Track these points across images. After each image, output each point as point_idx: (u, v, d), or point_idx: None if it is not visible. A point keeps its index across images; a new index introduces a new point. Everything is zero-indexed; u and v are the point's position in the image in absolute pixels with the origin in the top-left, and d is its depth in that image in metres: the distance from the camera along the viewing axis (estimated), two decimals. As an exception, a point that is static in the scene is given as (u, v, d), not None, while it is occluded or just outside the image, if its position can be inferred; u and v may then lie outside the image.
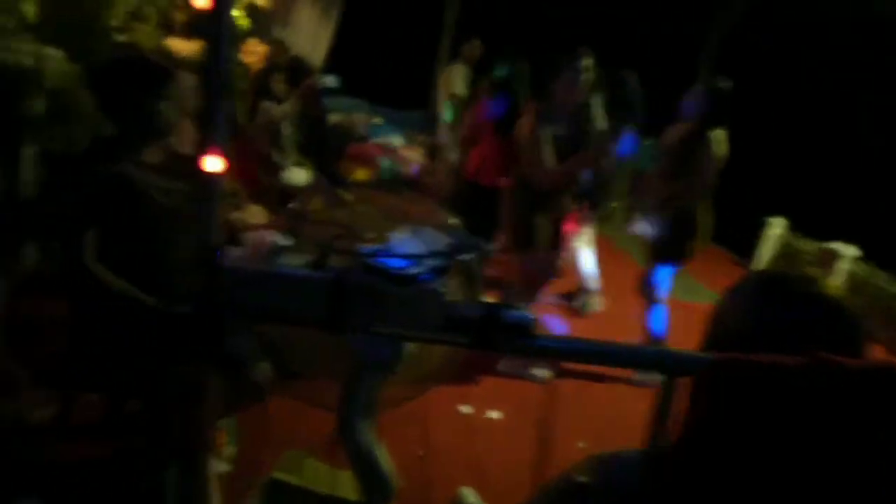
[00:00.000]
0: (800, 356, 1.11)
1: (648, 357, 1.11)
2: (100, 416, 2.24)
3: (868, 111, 6.98)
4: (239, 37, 5.24)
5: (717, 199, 3.32)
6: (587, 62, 3.17)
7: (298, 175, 4.26)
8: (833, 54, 6.60)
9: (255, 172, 3.85)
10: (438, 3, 7.27)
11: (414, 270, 0.95)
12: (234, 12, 5.55)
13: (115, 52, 3.18)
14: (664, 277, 3.41)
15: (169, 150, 2.09)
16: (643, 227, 3.46)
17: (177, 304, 1.91)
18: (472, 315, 1.01)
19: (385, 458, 1.77)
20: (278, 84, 4.42)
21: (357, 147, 5.50)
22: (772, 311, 1.30)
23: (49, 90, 2.24)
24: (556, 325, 4.12)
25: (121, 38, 3.40)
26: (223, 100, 0.86)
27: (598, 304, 4.35)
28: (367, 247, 1.02)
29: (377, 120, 6.18)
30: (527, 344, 1.04)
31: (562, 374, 3.39)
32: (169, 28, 4.08)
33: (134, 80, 1.99)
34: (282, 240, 1.69)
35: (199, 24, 3.58)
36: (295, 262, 1.28)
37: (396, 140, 5.85)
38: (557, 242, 3.35)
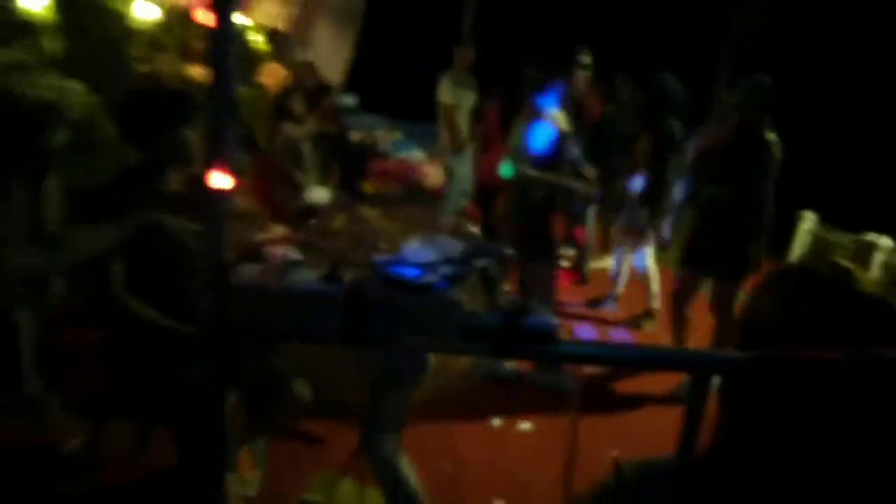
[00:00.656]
0: (841, 351, 1.06)
1: (677, 358, 1.07)
2: (130, 443, 2.26)
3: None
4: (259, 61, 5.33)
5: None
6: (585, 58, 3.17)
7: (320, 194, 4.28)
8: (857, 42, 6.46)
9: (278, 193, 3.88)
10: (455, 14, 7.30)
11: (429, 279, 0.93)
12: (254, 36, 5.66)
13: (137, 82, 3.25)
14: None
15: (193, 177, 2.13)
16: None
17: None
18: (492, 324, 0.98)
19: (411, 473, 1.74)
20: (298, 105, 4.47)
21: (379, 164, 5.52)
22: (807, 306, 1.25)
23: (71, 122, 2.28)
24: (585, 333, 4.06)
25: (142, 68, 3.47)
26: (230, 117, 0.85)
27: (654, 324, 4.23)
28: (381, 257, 1.00)
29: (397, 135, 6.21)
30: (550, 350, 1.01)
31: (592, 383, 3.33)
32: (188, 56, 4.16)
33: (158, 109, 2.03)
34: (294, 254, 1.68)
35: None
36: (307, 277, 1.27)
37: (417, 154, 5.87)
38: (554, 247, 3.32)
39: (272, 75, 5.02)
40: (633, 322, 4.20)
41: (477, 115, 5.35)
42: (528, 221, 3.20)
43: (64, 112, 2.22)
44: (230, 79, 0.90)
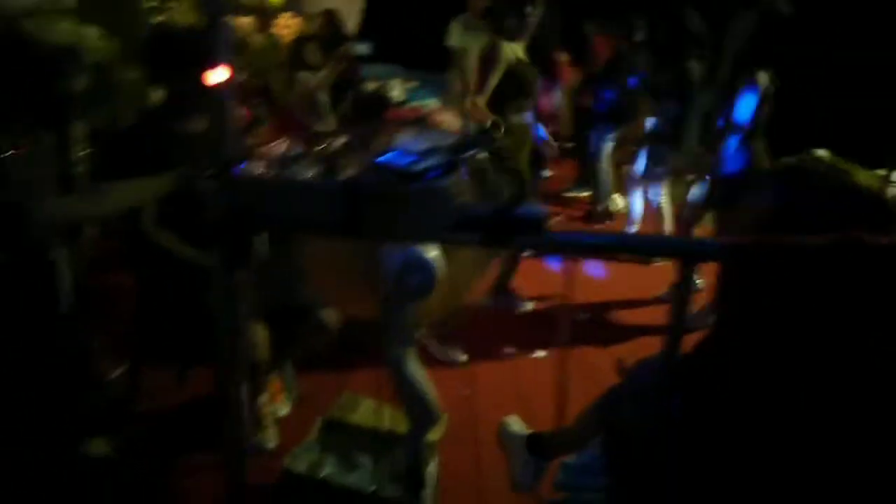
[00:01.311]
0: (829, 236, 1.09)
1: (667, 244, 1.11)
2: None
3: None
4: (273, 12, 5.33)
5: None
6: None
7: (337, 143, 4.33)
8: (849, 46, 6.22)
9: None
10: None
11: (420, 167, 0.98)
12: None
13: (153, 30, 3.29)
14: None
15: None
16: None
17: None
18: (483, 213, 1.04)
19: (429, 385, 1.83)
20: (313, 54, 4.49)
21: (394, 112, 5.54)
22: (800, 197, 1.28)
23: (91, 66, 2.34)
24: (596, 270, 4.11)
25: (158, 18, 3.51)
26: (225, 15, 0.90)
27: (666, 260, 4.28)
28: (375, 152, 1.05)
29: (412, 84, 6.20)
30: (540, 239, 1.06)
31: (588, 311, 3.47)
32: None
33: (183, 51, 2.10)
34: (293, 150, 1.75)
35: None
36: (306, 172, 1.33)
37: (432, 103, 5.86)
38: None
39: (285, 26, 5.04)
40: (645, 259, 4.25)
41: (486, 60, 5.28)
42: None
43: (83, 56, 2.28)
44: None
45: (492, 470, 2.21)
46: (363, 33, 6.53)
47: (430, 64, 6.91)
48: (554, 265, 4.20)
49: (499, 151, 1.18)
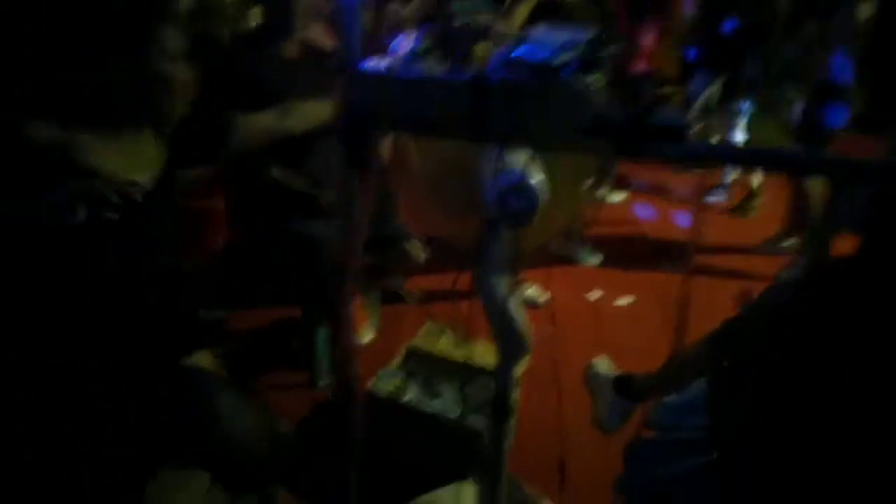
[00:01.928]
0: None
1: (812, 160, 1.01)
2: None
3: None
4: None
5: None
6: None
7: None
8: None
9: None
10: None
11: (556, 62, 0.91)
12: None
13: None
14: None
15: (305, 43, 2.21)
16: None
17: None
18: (617, 118, 0.96)
19: (521, 314, 1.79)
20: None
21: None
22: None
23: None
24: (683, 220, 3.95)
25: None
26: None
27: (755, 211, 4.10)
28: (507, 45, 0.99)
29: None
30: (676, 150, 0.98)
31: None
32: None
33: None
34: (420, 44, 1.70)
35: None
36: (433, 69, 1.28)
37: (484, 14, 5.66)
38: None
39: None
40: (738, 210, 4.07)
41: None
42: None
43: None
44: None
45: (571, 408, 2.22)
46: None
47: None
48: (642, 213, 4.06)
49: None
